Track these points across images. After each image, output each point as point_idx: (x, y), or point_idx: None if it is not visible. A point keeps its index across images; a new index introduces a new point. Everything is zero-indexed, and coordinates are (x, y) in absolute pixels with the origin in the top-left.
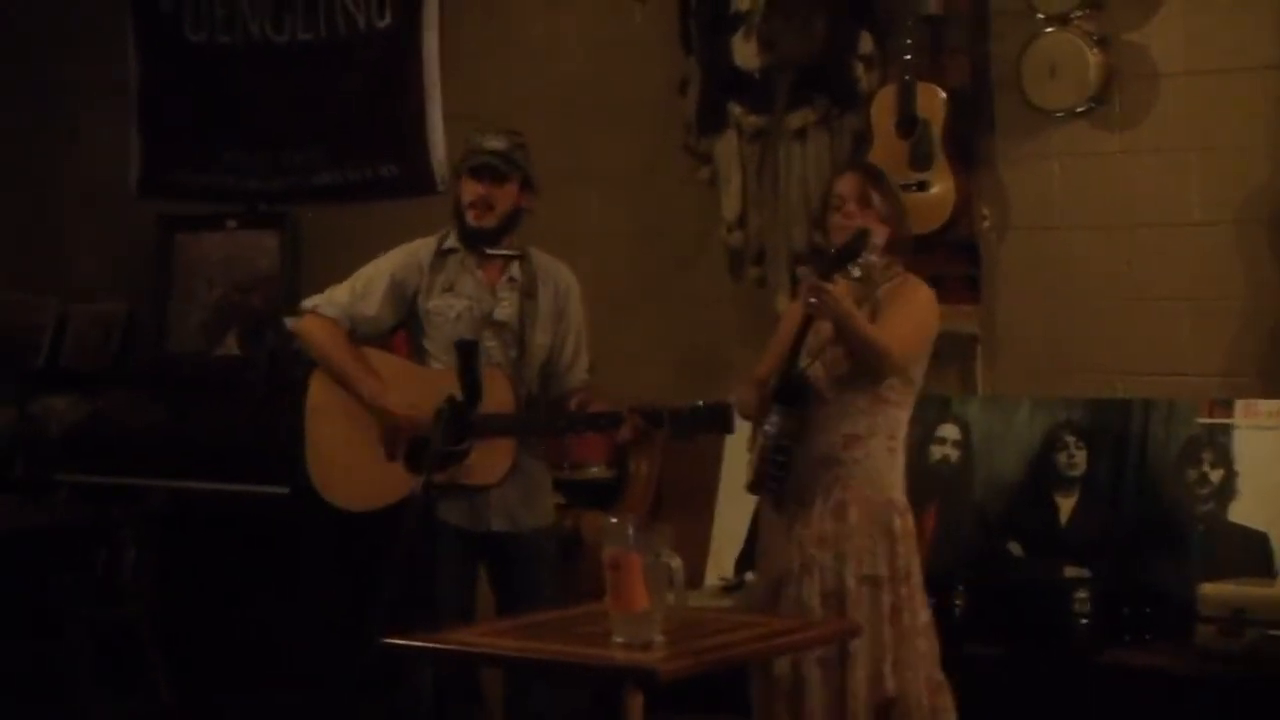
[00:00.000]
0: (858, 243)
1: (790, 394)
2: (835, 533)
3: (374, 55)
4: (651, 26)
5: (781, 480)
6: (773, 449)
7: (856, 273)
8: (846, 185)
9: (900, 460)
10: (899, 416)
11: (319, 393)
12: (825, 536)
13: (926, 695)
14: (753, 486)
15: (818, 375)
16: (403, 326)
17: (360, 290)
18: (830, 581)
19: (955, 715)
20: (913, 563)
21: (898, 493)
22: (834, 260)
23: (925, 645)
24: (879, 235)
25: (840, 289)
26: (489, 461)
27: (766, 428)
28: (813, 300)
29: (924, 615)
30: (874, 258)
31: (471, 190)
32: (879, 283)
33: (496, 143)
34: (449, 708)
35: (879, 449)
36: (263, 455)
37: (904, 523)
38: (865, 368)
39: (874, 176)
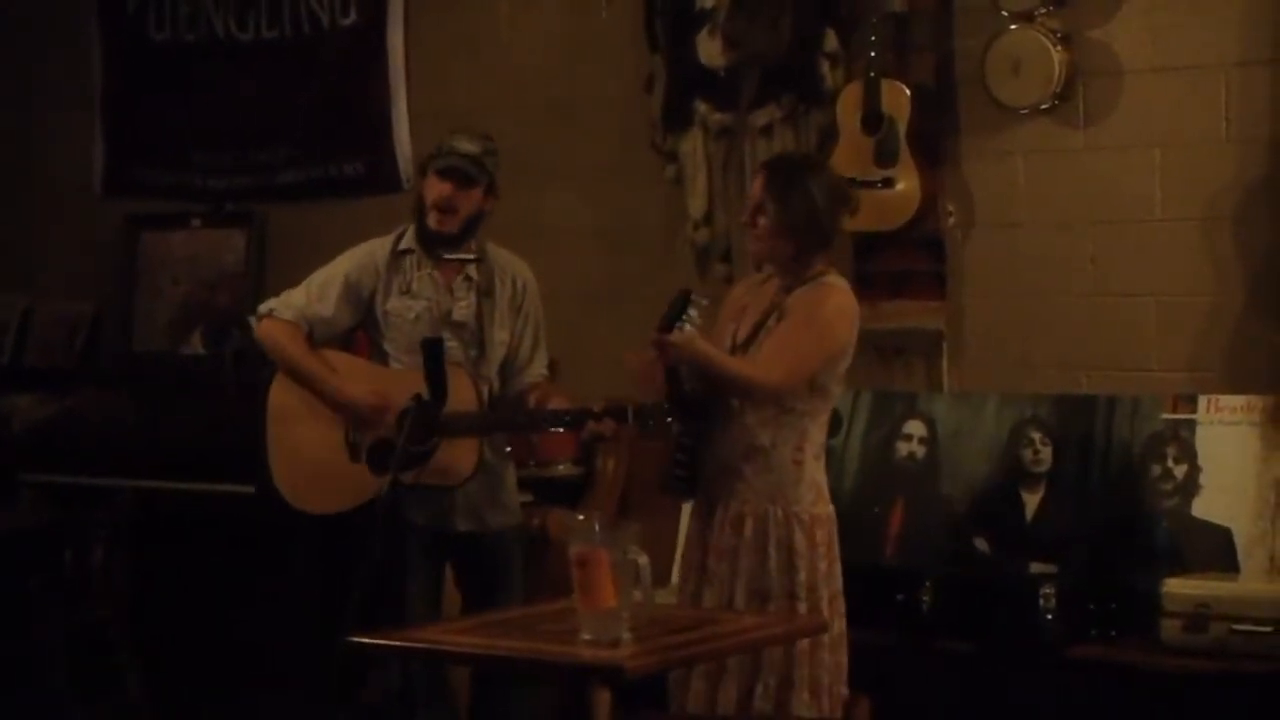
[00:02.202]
0: (677, 307)
1: (681, 410)
2: (733, 545)
3: (339, 53)
4: (617, 24)
5: (684, 480)
6: (674, 449)
7: (689, 328)
8: (752, 189)
9: (811, 470)
10: (807, 426)
11: (280, 397)
12: (723, 548)
13: (829, 712)
14: (660, 487)
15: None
16: (361, 328)
17: (316, 293)
18: (725, 593)
19: None
20: (819, 577)
21: (805, 504)
22: (664, 323)
23: (831, 660)
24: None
25: (736, 297)
26: (454, 461)
27: (673, 429)
28: (656, 353)
29: (837, 626)
30: (697, 317)
31: (436, 190)
32: (798, 284)
33: (469, 145)
34: (417, 706)
35: (783, 461)
36: (229, 454)
37: (809, 536)
38: (743, 398)
39: (778, 179)
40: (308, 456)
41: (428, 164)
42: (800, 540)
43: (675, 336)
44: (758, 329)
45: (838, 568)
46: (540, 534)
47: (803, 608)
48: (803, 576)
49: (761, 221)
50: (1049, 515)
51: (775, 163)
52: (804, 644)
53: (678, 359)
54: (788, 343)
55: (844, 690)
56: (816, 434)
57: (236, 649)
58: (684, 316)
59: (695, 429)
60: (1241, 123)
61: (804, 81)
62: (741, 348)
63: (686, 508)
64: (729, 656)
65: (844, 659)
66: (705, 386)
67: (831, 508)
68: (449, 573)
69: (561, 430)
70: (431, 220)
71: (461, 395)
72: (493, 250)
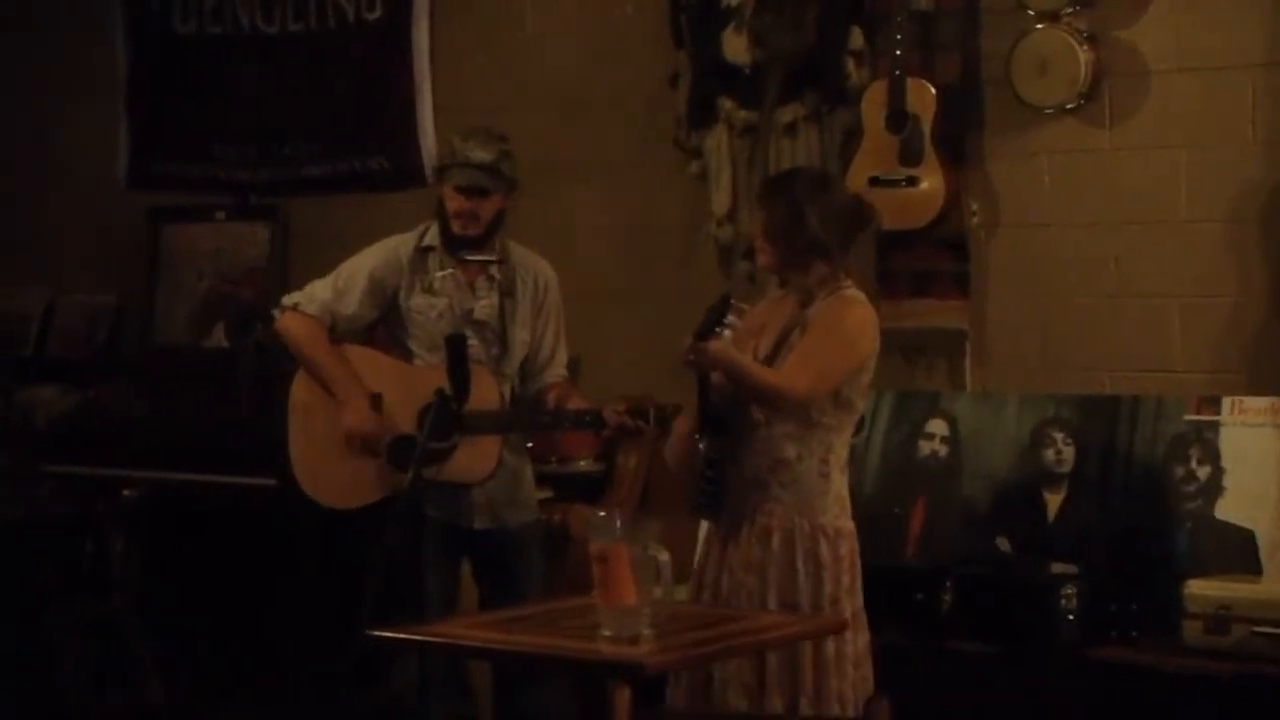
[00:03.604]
0: (717, 313)
1: (711, 425)
2: (760, 559)
3: (364, 47)
4: (642, 20)
5: (715, 498)
6: (704, 467)
7: (727, 334)
8: (758, 213)
9: (836, 484)
10: (832, 440)
11: (301, 391)
12: (751, 561)
13: None
14: (692, 508)
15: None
16: (383, 323)
17: (341, 287)
18: (755, 608)
19: None
20: (842, 590)
21: (830, 517)
22: (703, 329)
23: (857, 674)
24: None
25: (756, 315)
26: (474, 458)
27: (701, 447)
28: (692, 358)
29: (861, 641)
30: (737, 322)
31: (456, 202)
32: (815, 298)
33: (483, 154)
34: (434, 701)
35: (809, 473)
36: (250, 447)
37: (833, 549)
38: (770, 408)
39: (764, 190)
40: (328, 450)
41: (443, 172)
42: (826, 553)
43: (712, 344)
44: (779, 345)
45: (859, 583)
46: (561, 530)
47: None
48: (828, 589)
49: (758, 239)
50: (1071, 516)
51: (771, 178)
52: (831, 656)
53: (711, 367)
54: (811, 354)
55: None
56: (841, 447)
57: (253, 641)
58: (724, 322)
59: (723, 446)
60: (1267, 124)
61: (829, 79)
62: (764, 363)
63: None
64: (747, 654)
65: (869, 673)
66: (732, 397)
67: (853, 524)
68: (466, 570)
69: (580, 430)
70: (456, 227)
71: (484, 393)
72: (515, 249)
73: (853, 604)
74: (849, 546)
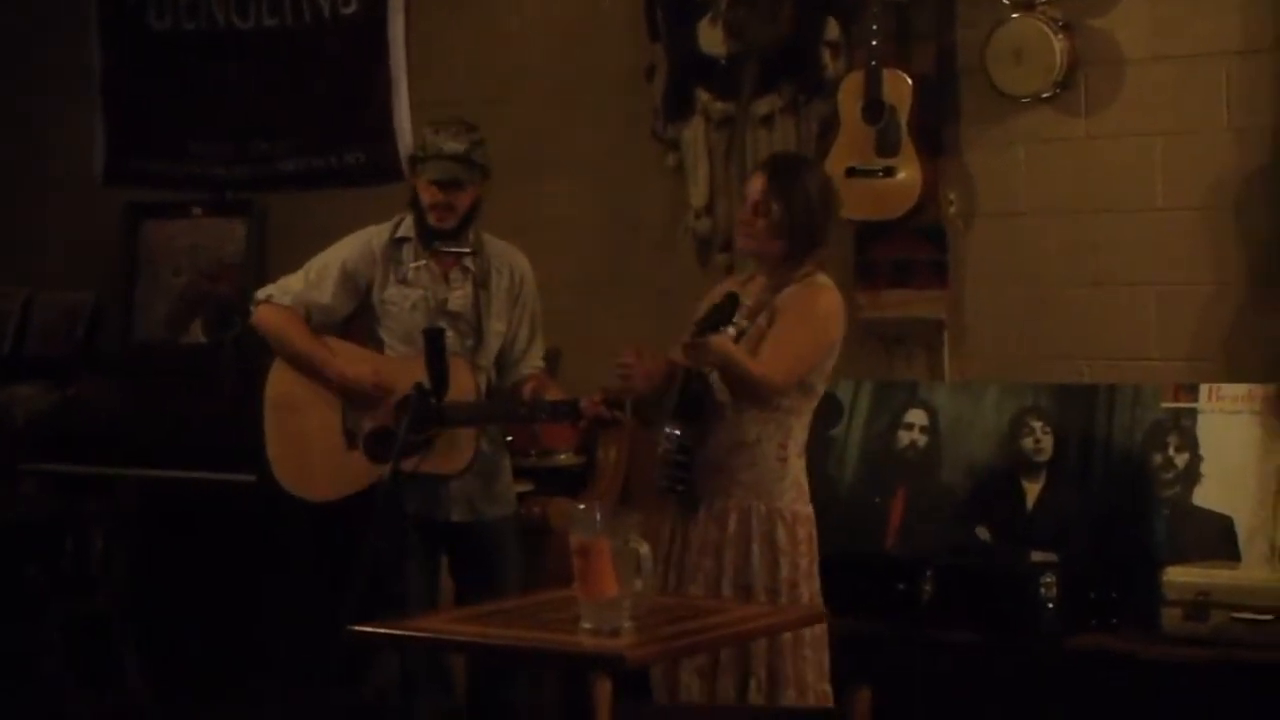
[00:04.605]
0: (725, 311)
1: (689, 408)
2: (717, 540)
3: (340, 42)
4: (618, 12)
5: (685, 483)
6: (675, 454)
7: (732, 331)
8: (750, 187)
9: (794, 468)
10: (792, 424)
11: (277, 385)
12: (707, 543)
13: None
14: (659, 492)
15: (717, 383)
16: (357, 315)
17: (314, 279)
18: (710, 589)
19: None
20: (800, 574)
21: (787, 501)
22: (705, 326)
23: (814, 658)
24: (755, 287)
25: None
26: (451, 450)
27: (668, 431)
28: (693, 353)
29: (815, 628)
30: (744, 321)
31: (431, 195)
32: (787, 284)
33: (455, 145)
34: (417, 695)
35: (767, 457)
36: (230, 443)
37: (790, 533)
38: (750, 399)
39: (777, 178)
40: (305, 444)
41: (416, 165)
42: (783, 536)
43: (714, 339)
44: (746, 328)
45: (816, 567)
46: (541, 523)
47: (788, 602)
48: (784, 573)
49: (760, 221)
50: (1050, 504)
51: (778, 161)
52: (788, 640)
53: (711, 363)
54: (786, 342)
55: (827, 687)
56: (800, 432)
57: (237, 638)
58: (731, 321)
59: (694, 432)
60: (1242, 111)
61: (805, 70)
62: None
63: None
64: (729, 646)
65: (825, 657)
66: (713, 388)
67: (811, 508)
68: (445, 564)
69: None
70: (431, 219)
71: (461, 385)
72: (489, 241)
73: (809, 588)
74: (806, 531)
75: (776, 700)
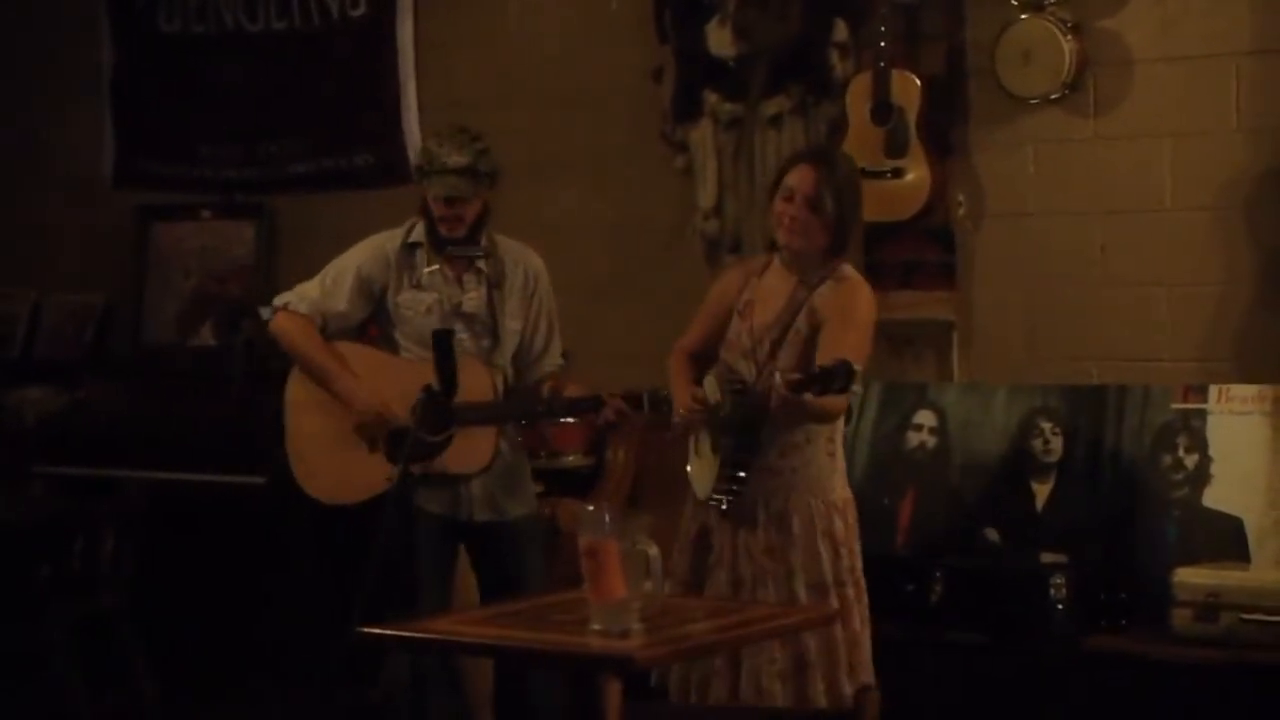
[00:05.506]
0: (841, 381)
1: (744, 428)
2: (781, 544)
3: (349, 45)
4: (626, 15)
5: (741, 496)
6: (732, 466)
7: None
8: (801, 180)
9: (840, 460)
10: (838, 419)
11: (298, 387)
12: (773, 547)
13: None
14: (724, 513)
15: (773, 386)
16: (372, 320)
17: (330, 286)
18: (783, 592)
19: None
20: (855, 561)
21: (839, 493)
22: (810, 386)
23: (868, 644)
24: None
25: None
26: (471, 450)
27: (725, 442)
28: (787, 409)
29: (865, 610)
30: (857, 388)
31: (439, 209)
32: (820, 280)
33: (459, 158)
34: (428, 696)
35: (818, 453)
36: (239, 445)
37: (845, 522)
38: (817, 423)
39: (829, 171)
40: (326, 447)
41: (422, 177)
42: (840, 527)
43: (826, 401)
44: (786, 328)
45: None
46: (551, 525)
47: (852, 593)
48: (846, 562)
49: (814, 217)
50: (1059, 505)
51: (825, 155)
52: (839, 635)
53: (797, 419)
54: (850, 342)
55: (870, 680)
56: (841, 423)
57: (245, 639)
58: (849, 389)
59: (750, 443)
60: (1252, 112)
61: (814, 72)
62: (772, 346)
63: (686, 510)
64: (742, 647)
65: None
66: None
67: (850, 489)
68: (465, 563)
69: (574, 420)
70: (442, 230)
71: (478, 385)
72: (502, 241)
73: (860, 573)
74: (853, 513)
75: (838, 695)
